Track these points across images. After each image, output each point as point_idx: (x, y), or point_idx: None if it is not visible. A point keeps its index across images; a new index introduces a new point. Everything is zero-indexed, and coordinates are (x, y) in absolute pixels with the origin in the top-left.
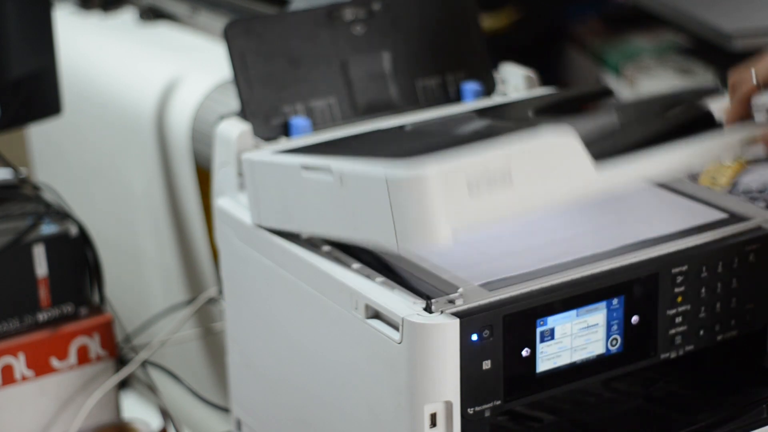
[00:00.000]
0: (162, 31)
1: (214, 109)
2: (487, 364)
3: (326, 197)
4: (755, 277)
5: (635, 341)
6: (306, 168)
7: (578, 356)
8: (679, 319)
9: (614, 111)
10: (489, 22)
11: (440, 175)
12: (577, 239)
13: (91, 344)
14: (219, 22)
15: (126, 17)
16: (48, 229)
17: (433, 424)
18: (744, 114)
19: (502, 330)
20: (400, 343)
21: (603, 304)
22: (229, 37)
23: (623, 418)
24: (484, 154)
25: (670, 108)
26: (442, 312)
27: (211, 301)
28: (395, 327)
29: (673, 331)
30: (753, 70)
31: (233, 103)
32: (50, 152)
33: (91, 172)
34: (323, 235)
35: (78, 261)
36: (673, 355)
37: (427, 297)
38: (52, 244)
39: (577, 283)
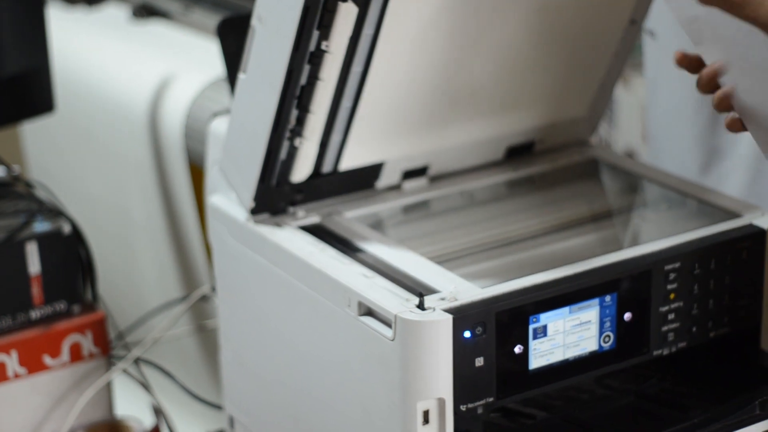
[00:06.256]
0: (155, 28)
1: (207, 106)
2: (479, 361)
3: None
4: (747, 274)
5: (628, 338)
6: None
7: (571, 353)
8: (671, 316)
9: None
10: None
11: None
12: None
13: (84, 342)
14: (212, 19)
15: (119, 14)
16: (41, 226)
17: (426, 420)
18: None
19: (494, 327)
20: (392, 340)
21: (596, 301)
22: (222, 34)
23: (616, 415)
24: None
25: None
26: (434, 309)
27: (205, 298)
28: (388, 324)
29: (665, 328)
30: None
31: (226, 100)
32: (44, 150)
33: (84, 169)
34: None
35: (71, 259)
36: (665, 352)
37: (419, 294)
38: (45, 241)
39: (570, 279)
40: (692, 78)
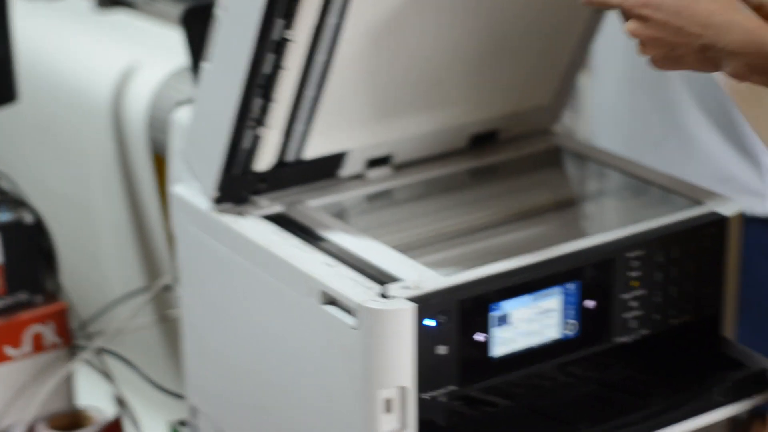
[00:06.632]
0: (119, 18)
1: (170, 96)
2: (442, 349)
3: None
4: (709, 261)
5: (590, 326)
6: None
7: (533, 341)
8: (634, 304)
9: None
10: None
11: None
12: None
13: (46, 332)
14: (176, 8)
15: (83, 4)
16: (3, 216)
17: (388, 409)
18: None
19: (457, 315)
20: (355, 328)
21: (558, 289)
22: (186, 23)
23: (578, 403)
24: None
25: None
26: (397, 297)
27: (167, 288)
28: (351, 313)
29: (628, 316)
30: None
31: (190, 90)
32: (6, 140)
33: (47, 159)
34: None
35: (33, 249)
36: (627, 339)
37: (382, 282)
38: (7, 231)
39: (533, 267)
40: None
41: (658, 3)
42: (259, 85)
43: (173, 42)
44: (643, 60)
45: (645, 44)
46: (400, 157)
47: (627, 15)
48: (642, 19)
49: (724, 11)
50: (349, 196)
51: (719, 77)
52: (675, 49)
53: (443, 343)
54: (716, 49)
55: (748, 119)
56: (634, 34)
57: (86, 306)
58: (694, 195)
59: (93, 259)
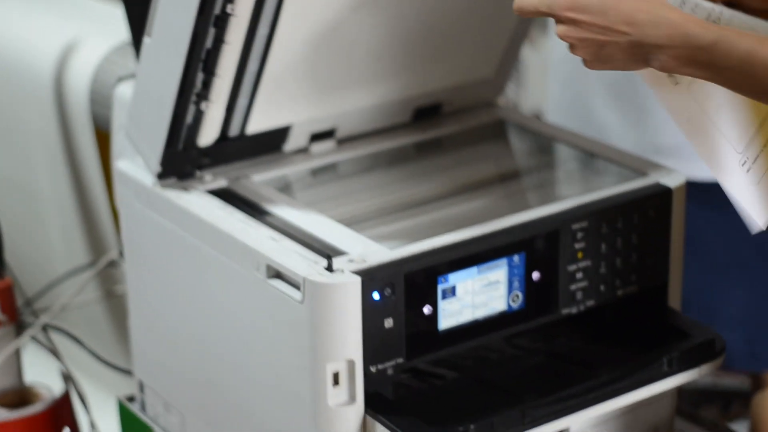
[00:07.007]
0: None
1: (112, 71)
2: (389, 322)
3: None
4: (654, 232)
5: (536, 297)
6: None
7: (480, 313)
8: (579, 275)
9: None
10: None
11: None
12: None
13: None
14: None
15: None
16: None
17: (336, 382)
18: None
19: (403, 288)
20: (301, 302)
21: (504, 261)
22: None
23: (525, 374)
24: None
25: None
26: (343, 271)
27: (112, 263)
28: (297, 287)
29: (573, 287)
30: None
31: (132, 65)
32: None
33: None
34: None
35: None
36: (574, 310)
37: (328, 256)
38: None
39: (478, 240)
40: None
41: (583, 5)
42: (200, 60)
43: (114, 17)
44: None
45: (575, 46)
46: (343, 130)
47: (556, 20)
48: (570, 21)
49: (649, 8)
50: (293, 170)
51: (645, 78)
52: (603, 48)
53: (390, 316)
54: (643, 44)
55: (675, 120)
56: (563, 37)
57: (31, 282)
58: (638, 167)
59: (37, 235)
